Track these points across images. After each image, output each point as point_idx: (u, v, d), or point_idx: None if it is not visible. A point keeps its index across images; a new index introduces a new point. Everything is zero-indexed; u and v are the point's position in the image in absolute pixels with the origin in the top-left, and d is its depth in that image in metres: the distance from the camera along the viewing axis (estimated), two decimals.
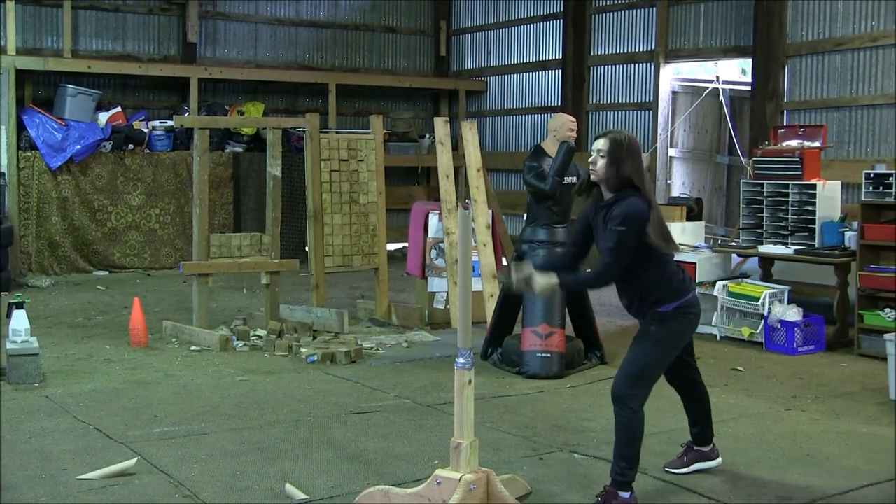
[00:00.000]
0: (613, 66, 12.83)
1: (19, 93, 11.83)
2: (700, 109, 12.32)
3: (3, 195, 10.85)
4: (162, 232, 12.46)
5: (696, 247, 9.36)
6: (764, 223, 8.84)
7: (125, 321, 8.35)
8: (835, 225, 8.47)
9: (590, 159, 4.56)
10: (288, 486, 4.57)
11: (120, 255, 12.21)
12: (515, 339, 7.39)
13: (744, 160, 10.39)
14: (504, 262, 9.38)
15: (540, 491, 4.65)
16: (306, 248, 9.35)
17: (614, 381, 4.55)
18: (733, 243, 9.28)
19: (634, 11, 12.49)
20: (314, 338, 8.07)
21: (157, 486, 4.64)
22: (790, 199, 8.67)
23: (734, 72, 12.85)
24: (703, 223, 10.37)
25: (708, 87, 12.05)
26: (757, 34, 10.52)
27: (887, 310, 7.73)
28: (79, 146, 11.69)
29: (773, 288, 8.35)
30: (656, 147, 11.88)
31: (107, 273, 11.98)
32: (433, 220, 9.13)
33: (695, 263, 8.73)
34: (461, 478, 4.15)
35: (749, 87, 11.00)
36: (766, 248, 8.70)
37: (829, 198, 8.63)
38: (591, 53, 13.10)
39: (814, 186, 8.56)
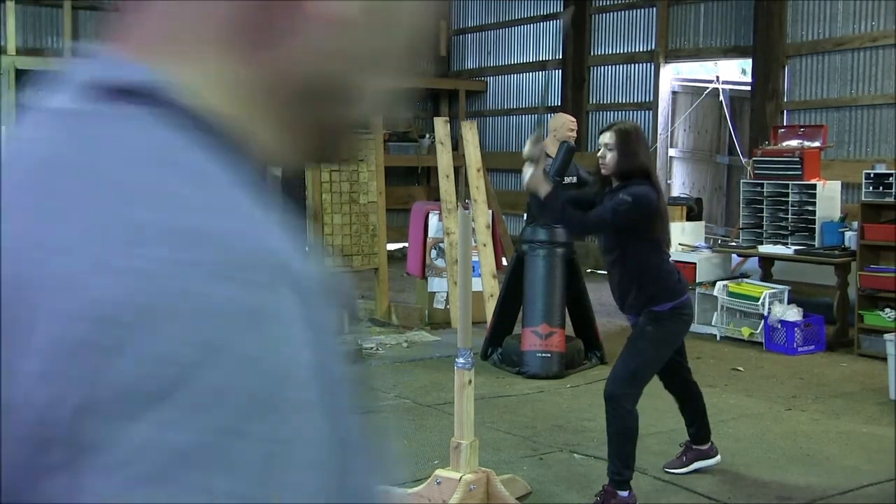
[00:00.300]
0: (613, 66, 12.83)
1: (19, 93, 11.83)
2: (700, 109, 12.33)
3: None
4: None
5: (696, 247, 9.36)
6: (764, 223, 8.84)
7: None
8: (835, 225, 8.47)
9: (598, 154, 4.56)
10: None
11: None
12: (515, 339, 7.39)
13: (744, 160, 10.39)
14: (504, 262, 9.38)
15: (540, 491, 4.65)
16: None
17: (608, 381, 4.55)
18: (733, 243, 9.28)
19: (634, 11, 12.49)
20: None
21: None
22: (790, 199, 8.67)
23: (734, 72, 12.85)
24: (703, 223, 10.37)
25: (708, 87, 12.06)
26: (757, 34, 10.53)
27: (887, 310, 7.73)
28: None
29: (773, 288, 8.35)
30: (656, 147, 11.88)
31: None
32: (433, 220, 9.13)
33: (695, 263, 8.73)
34: (461, 478, 4.15)
35: (749, 87, 11.00)
36: (766, 248, 8.70)
37: (829, 198, 8.63)
38: (591, 53, 13.11)
39: (814, 186, 8.56)
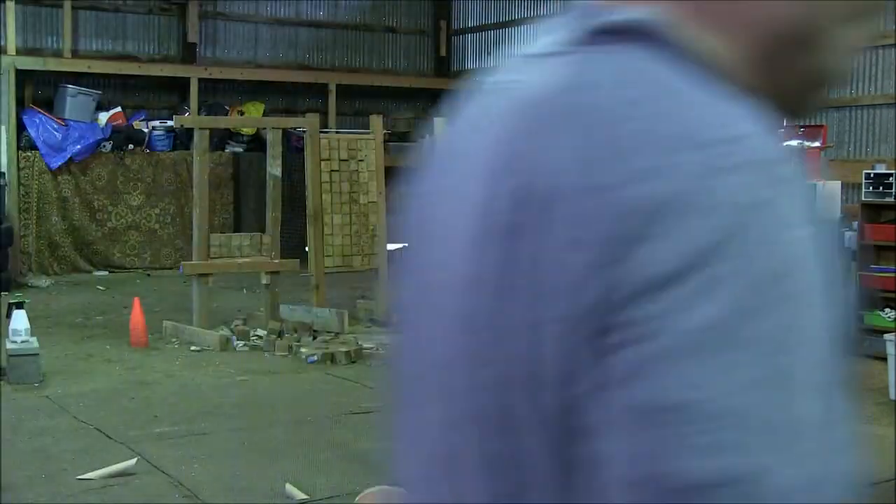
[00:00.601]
0: None
1: (19, 93, 11.83)
2: None
3: (3, 195, 10.85)
4: (162, 232, 12.47)
5: None
6: None
7: (125, 321, 8.34)
8: (835, 225, 8.47)
9: None
10: (288, 487, 4.57)
11: (120, 255, 12.21)
12: None
13: None
14: None
15: None
16: (306, 248, 9.35)
17: None
18: None
19: None
20: (314, 338, 8.07)
21: (157, 486, 4.64)
22: None
23: None
24: None
25: None
26: None
27: (887, 310, 7.73)
28: (79, 146, 11.70)
29: None
30: None
31: (107, 273, 11.98)
32: None
33: None
34: None
35: None
36: None
37: (829, 198, 8.62)
38: None
39: (814, 186, 8.56)
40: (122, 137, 12.12)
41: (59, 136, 11.64)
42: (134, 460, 4.89)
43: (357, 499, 4.09)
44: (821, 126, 9.16)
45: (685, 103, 0.61)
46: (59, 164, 11.66)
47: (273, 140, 8.54)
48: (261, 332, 8.20)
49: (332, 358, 7.41)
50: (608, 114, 0.61)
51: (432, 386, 0.68)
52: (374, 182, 9.09)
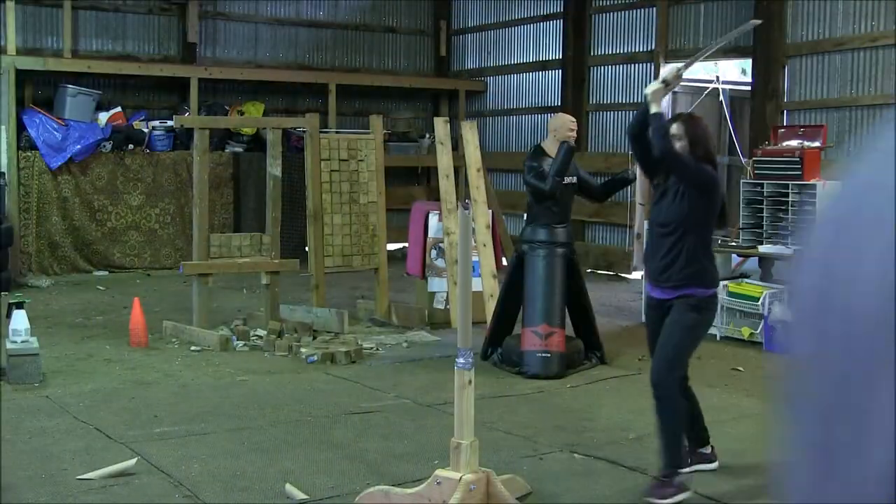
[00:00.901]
0: (613, 67, 12.83)
1: (19, 93, 11.83)
2: (700, 109, 12.30)
3: (3, 195, 10.85)
4: (162, 232, 12.47)
5: None
6: (764, 223, 8.84)
7: (125, 321, 8.34)
8: None
9: None
10: (288, 486, 4.57)
11: (120, 255, 12.21)
12: (515, 339, 7.39)
13: (744, 160, 10.38)
14: (504, 262, 9.38)
15: (540, 491, 4.65)
16: (306, 248, 9.35)
17: (653, 370, 4.74)
18: (733, 243, 9.28)
19: (634, 11, 12.49)
20: (314, 338, 8.07)
21: (157, 486, 4.64)
22: (790, 199, 8.67)
23: (734, 72, 12.85)
24: None
25: (708, 87, 12.05)
26: (757, 34, 10.52)
27: None
28: (79, 146, 11.69)
29: (773, 288, 8.35)
30: None
31: (107, 273, 11.98)
32: (433, 220, 9.13)
33: None
34: (461, 478, 4.15)
35: (749, 87, 11.00)
36: (766, 248, 8.70)
37: (829, 198, 8.62)
38: (591, 53, 13.11)
39: (814, 186, 8.56)
40: (122, 137, 12.11)
41: (59, 136, 11.64)
42: (134, 460, 4.89)
43: (357, 499, 4.13)
44: (821, 126, 9.16)
45: None
46: (59, 164, 11.65)
47: (273, 140, 8.54)
48: (261, 332, 8.20)
49: (332, 358, 7.41)
50: None
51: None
52: (374, 182, 9.09)
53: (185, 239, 12.09)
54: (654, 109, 4.74)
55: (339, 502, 4.47)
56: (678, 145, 4.71)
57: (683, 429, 4.72)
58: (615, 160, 12.36)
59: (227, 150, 12.98)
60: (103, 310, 9.59)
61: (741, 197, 9.15)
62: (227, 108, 13.18)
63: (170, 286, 11.14)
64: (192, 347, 7.84)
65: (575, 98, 13.07)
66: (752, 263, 9.25)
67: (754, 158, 9.14)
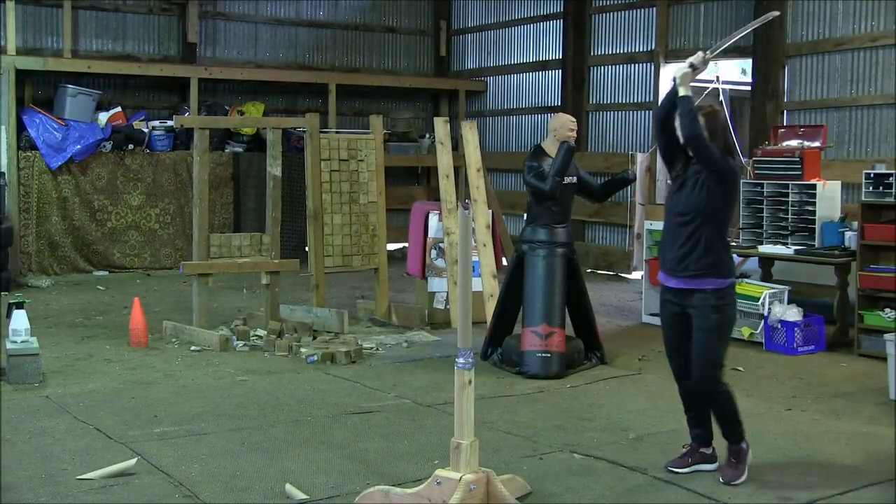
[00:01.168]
0: (613, 66, 12.83)
1: (19, 93, 11.83)
2: None
3: (3, 195, 10.85)
4: (162, 232, 12.47)
5: None
6: (764, 223, 8.84)
7: (125, 321, 8.34)
8: (835, 225, 8.46)
9: None
10: (288, 486, 4.57)
11: (120, 255, 12.21)
12: (515, 339, 7.39)
13: (744, 160, 10.37)
14: (504, 262, 9.37)
15: (540, 491, 4.65)
16: (306, 248, 9.35)
17: (699, 378, 4.84)
18: (733, 243, 9.27)
19: (634, 11, 12.49)
20: (314, 338, 8.07)
21: (157, 486, 4.64)
22: (790, 199, 8.67)
23: (734, 72, 12.84)
24: None
25: (708, 87, 12.03)
26: (757, 34, 10.52)
27: (887, 310, 7.73)
28: (79, 146, 11.69)
29: (773, 288, 8.35)
30: (656, 147, 11.86)
31: (107, 273, 11.98)
32: (433, 220, 9.13)
33: None
34: (461, 478, 4.15)
35: (749, 87, 11.00)
36: (766, 248, 8.70)
37: (829, 198, 8.62)
38: (591, 53, 13.10)
39: (814, 186, 8.55)
40: (122, 137, 12.11)
41: (59, 136, 11.63)
42: (134, 460, 4.89)
43: (357, 499, 4.14)
44: (821, 126, 9.16)
45: None
46: (59, 164, 11.65)
47: (273, 140, 8.54)
48: (261, 332, 8.20)
49: (332, 358, 7.41)
50: None
51: None
52: (374, 182, 9.09)
53: (185, 239, 12.09)
54: (682, 93, 4.79)
55: (339, 502, 4.47)
56: None
57: (737, 414, 4.91)
58: (615, 160, 12.36)
59: (227, 150, 12.98)
60: (103, 310, 9.59)
61: (741, 197, 9.14)
62: (227, 108, 13.18)
63: (170, 286, 11.14)
64: (192, 347, 7.84)
65: (575, 98, 13.07)
66: (752, 263, 9.25)
67: (754, 158, 9.14)
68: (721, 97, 11.98)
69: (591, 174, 8.77)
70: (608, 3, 12.85)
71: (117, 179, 12.15)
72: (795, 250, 8.47)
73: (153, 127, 12.41)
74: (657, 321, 9.39)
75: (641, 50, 12.36)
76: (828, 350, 8.06)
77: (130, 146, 12.21)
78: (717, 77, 12.05)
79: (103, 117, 12.10)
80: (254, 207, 12.86)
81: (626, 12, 12.59)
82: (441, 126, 9.32)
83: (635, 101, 12.53)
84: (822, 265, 8.42)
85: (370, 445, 5.33)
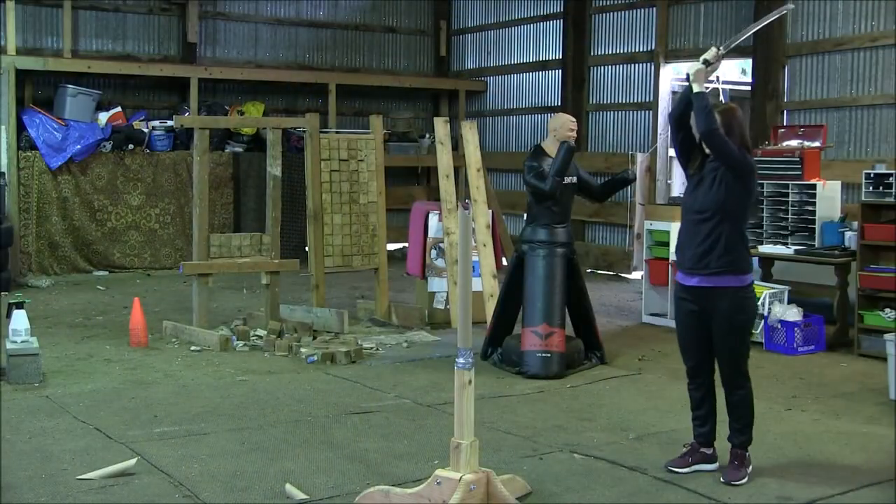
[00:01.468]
0: (613, 66, 12.83)
1: (19, 93, 11.83)
2: None
3: (3, 195, 10.85)
4: (162, 232, 12.47)
5: None
6: (764, 223, 8.84)
7: (125, 321, 8.35)
8: (835, 225, 8.46)
9: None
10: (288, 486, 4.57)
11: (120, 255, 12.21)
12: (515, 339, 7.39)
13: None
14: (504, 262, 9.37)
15: (540, 491, 4.65)
16: (306, 248, 9.35)
17: (725, 379, 4.88)
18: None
19: (634, 11, 12.49)
20: (314, 338, 8.07)
21: (157, 486, 4.64)
22: (790, 199, 8.67)
23: (734, 72, 12.84)
24: None
25: (708, 87, 12.03)
26: (757, 34, 10.50)
27: (887, 310, 7.73)
28: (79, 146, 11.69)
29: (773, 288, 8.35)
30: (656, 147, 11.87)
31: (107, 273, 11.99)
32: (433, 220, 9.13)
33: None
34: (461, 478, 4.15)
35: (749, 87, 11.00)
36: (766, 248, 8.70)
37: (829, 198, 8.63)
38: (591, 53, 13.10)
39: (814, 186, 8.55)
40: (122, 137, 12.11)
41: (59, 136, 11.64)
42: (134, 460, 4.89)
43: (357, 499, 4.14)
44: (821, 126, 9.16)
45: None
46: (59, 164, 11.65)
47: (273, 140, 8.54)
48: (261, 332, 8.20)
49: (331, 358, 7.41)
50: None
51: None
52: (374, 182, 9.09)
53: (185, 239, 12.09)
54: (696, 89, 4.81)
55: (339, 502, 4.47)
56: None
57: (753, 415, 4.92)
58: (615, 160, 12.36)
59: (227, 150, 12.98)
60: (103, 310, 9.59)
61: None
62: (227, 108, 13.18)
63: (170, 286, 11.14)
64: (192, 347, 7.84)
65: (575, 98, 13.07)
66: (752, 263, 9.24)
67: (754, 158, 9.12)
68: (721, 97, 11.99)
69: (591, 174, 8.77)
70: (608, 3, 12.85)
71: (117, 179, 12.15)
72: (795, 250, 8.47)
73: (153, 127, 12.41)
74: (657, 321, 9.45)
75: (641, 50, 12.36)
76: (828, 350, 8.06)
77: (130, 146, 12.22)
78: (717, 77, 12.06)
79: (103, 117, 12.10)
80: (254, 207, 12.86)
81: (626, 12, 12.59)
82: (441, 126, 9.32)
83: (635, 101, 12.53)
84: (822, 265, 8.42)
85: (370, 445, 5.33)
